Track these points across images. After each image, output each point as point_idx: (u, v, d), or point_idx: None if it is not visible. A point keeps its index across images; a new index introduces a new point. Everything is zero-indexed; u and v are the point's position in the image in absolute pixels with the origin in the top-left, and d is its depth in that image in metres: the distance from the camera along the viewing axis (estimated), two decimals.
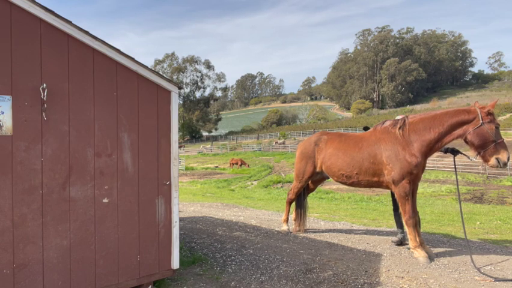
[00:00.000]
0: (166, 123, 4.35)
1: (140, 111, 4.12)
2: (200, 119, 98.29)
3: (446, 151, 5.75)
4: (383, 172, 5.59)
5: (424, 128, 5.33)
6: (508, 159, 4.94)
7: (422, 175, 5.68)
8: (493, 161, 4.98)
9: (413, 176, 5.37)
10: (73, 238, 3.66)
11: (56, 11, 3.49)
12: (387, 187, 5.72)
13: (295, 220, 7.19)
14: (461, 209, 5.71)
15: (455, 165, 5.84)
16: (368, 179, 5.79)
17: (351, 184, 6.06)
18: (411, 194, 5.48)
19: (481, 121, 4.99)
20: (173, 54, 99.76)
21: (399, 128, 5.49)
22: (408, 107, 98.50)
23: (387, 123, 5.78)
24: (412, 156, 5.31)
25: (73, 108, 3.65)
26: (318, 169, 6.51)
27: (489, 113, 5.02)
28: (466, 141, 5.20)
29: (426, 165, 6.29)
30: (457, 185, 5.93)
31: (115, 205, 3.94)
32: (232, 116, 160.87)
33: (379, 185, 5.80)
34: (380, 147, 5.60)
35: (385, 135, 5.62)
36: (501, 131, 5.18)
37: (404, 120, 5.55)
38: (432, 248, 5.85)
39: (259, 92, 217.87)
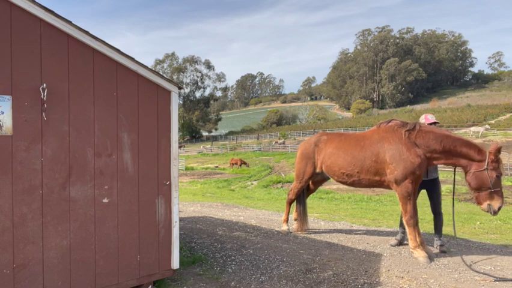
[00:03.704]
0: (166, 123, 4.35)
1: (140, 111, 4.12)
2: (200, 119, 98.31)
3: None
4: (385, 171, 5.55)
5: (434, 138, 5.26)
6: (499, 209, 4.97)
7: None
8: (485, 205, 5.03)
9: (416, 176, 5.35)
10: (73, 238, 3.66)
11: (55, 11, 3.49)
12: (388, 186, 5.69)
13: (296, 220, 7.19)
14: (453, 208, 5.80)
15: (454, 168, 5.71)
16: (369, 177, 5.75)
17: (352, 183, 6.01)
18: (413, 194, 5.48)
19: (485, 166, 4.96)
20: (173, 54, 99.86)
21: (407, 130, 5.44)
22: (408, 107, 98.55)
23: (393, 122, 5.72)
24: (417, 156, 5.28)
25: (73, 108, 3.65)
26: (318, 170, 6.50)
27: (496, 161, 4.97)
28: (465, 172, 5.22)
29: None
30: (454, 184, 5.86)
31: (115, 205, 3.94)
32: (232, 116, 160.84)
33: (380, 184, 5.76)
34: (383, 146, 5.55)
35: (389, 134, 5.57)
36: (501, 131, 5.15)
37: (415, 125, 5.48)
38: (432, 248, 5.85)
39: (259, 92, 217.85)
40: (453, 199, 6.01)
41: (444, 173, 27.43)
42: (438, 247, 5.78)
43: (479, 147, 5.14)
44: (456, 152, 5.17)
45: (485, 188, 4.98)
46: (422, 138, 5.34)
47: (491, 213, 5.00)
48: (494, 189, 4.94)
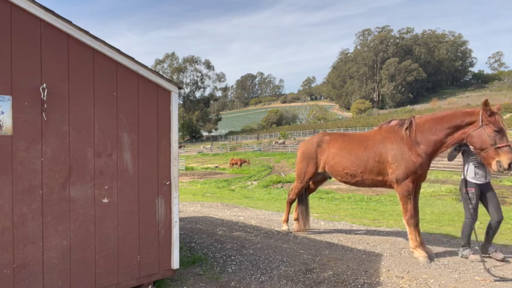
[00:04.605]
0: (166, 123, 4.35)
1: (140, 111, 4.12)
2: (200, 119, 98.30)
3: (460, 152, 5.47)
4: (387, 171, 5.60)
5: (430, 129, 5.30)
6: (510, 165, 4.69)
7: None
8: (494, 164, 4.81)
9: (417, 175, 5.38)
10: (73, 238, 3.66)
11: (55, 11, 3.49)
12: (390, 186, 5.74)
13: (297, 220, 7.20)
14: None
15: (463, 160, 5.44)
16: (373, 177, 5.80)
17: (355, 183, 6.06)
18: (414, 194, 5.50)
19: (480, 123, 4.91)
20: (173, 54, 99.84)
21: (406, 129, 5.48)
22: (408, 107, 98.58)
23: (394, 122, 5.77)
24: (418, 156, 5.32)
25: (73, 108, 3.65)
26: (320, 170, 6.52)
27: (490, 115, 4.87)
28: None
29: None
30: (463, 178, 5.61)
31: (115, 205, 3.94)
32: (232, 116, 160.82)
33: (383, 184, 5.81)
34: (385, 146, 5.60)
35: (391, 135, 5.62)
36: None
37: (411, 121, 5.52)
38: (432, 248, 5.85)
39: (259, 92, 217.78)
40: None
41: (445, 173, 27.42)
42: (493, 254, 5.36)
43: (470, 110, 5.13)
44: (454, 129, 5.14)
45: (488, 146, 4.82)
46: (421, 133, 5.37)
47: (501, 170, 4.74)
48: (499, 145, 4.76)
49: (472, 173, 5.28)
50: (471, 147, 5.16)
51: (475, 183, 5.26)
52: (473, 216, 5.30)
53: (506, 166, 4.72)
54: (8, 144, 3.31)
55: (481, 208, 5.42)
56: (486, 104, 4.89)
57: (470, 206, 5.26)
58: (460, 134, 5.12)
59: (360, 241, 6.45)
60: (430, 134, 5.30)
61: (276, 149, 52.93)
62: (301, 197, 7.09)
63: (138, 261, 4.11)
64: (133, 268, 4.08)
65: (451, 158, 5.58)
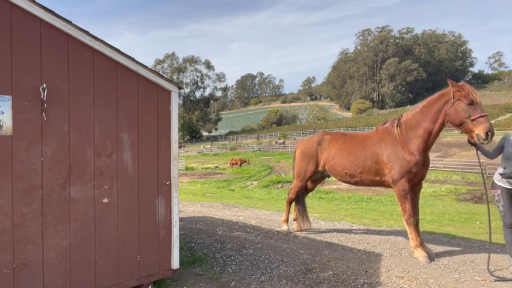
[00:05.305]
0: (166, 123, 4.35)
1: (140, 111, 4.12)
2: (200, 119, 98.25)
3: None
4: (385, 171, 5.66)
5: (416, 122, 5.40)
6: (487, 134, 4.62)
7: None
8: (474, 138, 4.76)
9: (412, 174, 5.41)
10: (73, 238, 3.66)
11: (55, 11, 3.49)
12: (389, 186, 5.79)
13: (296, 220, 7.22)
14: (488, 210, 5.21)
15: (478, 157, 5.14)
16: (371, 178, 5.89)
17: (355, 183, 6.16)
18: (414, 193, 5.54)
19: (452, 100, 4.97)
20: (173, 54, 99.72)
21: (397, 127, 5.58)
22: (409, 107, 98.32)
23: (387, 123, 5.88)
24: (411, 154, 5.38)
25: (73, 108, 3.65)
26: (320, 168, 6.59)
27: (458, 90, 4.90)
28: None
29: None
30: (483, 178, 5.41)
31: (115, 205, 3.94)
32: (232, 116, 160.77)
33: (382, 184, 5.88)
34: (381, 147, 5.70)
35: (386, 135, 5.73)
36: (501, 131, 4.98)
37: (399, 119, 5.65)
38: (432, 248, 5.85)
39: (259, 92, 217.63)
40: (487, 200, 5.52)
41: (445, 173, 27.41)
42: None
43: (442, 91, 5.21)
44: (435, 114, 5.18)
45: (464, 120, 4.82)
46: (411, 130, 5.44)
47: (482, 142, 4.67)
48: (473, 117, 4.73)
49: (498, 176, 4.98)
50: (450, 124, 5.09)
51: (502, 186, 4.91)
52: (503, 220, 4.89)
53: (484, 136, 4.65)
54: (8, 144, 3.31)
55: (482, 208, 5.37)
56: (448, 80, 5.00)
57: (500, 209, 4.91)
58: (441, 117, 5.16)
59: (360, 241, 6.45)
60: (418, 127, 5.37)
61: (276, 149, 52.93)
62: (298, 197, 7.14)
63: (138, 261, 4.11)
64: (133, 268, 4.08)
65: (490, 155, 5.04)
